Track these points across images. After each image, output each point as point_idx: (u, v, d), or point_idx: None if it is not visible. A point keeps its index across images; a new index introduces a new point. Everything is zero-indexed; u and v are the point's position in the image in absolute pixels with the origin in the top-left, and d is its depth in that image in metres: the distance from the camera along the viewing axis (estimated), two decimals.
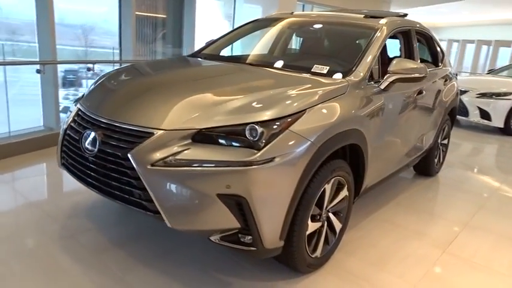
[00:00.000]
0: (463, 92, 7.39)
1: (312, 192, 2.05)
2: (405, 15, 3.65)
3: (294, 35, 3.50)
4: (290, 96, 2.04)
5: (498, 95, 7.21)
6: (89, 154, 2.01)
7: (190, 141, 1.84)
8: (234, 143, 1.83)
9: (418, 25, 3.68)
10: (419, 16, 18.37)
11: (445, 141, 4.41)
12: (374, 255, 2.60)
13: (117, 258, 2.33)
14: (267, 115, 1.87)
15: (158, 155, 1.80)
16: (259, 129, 1.83)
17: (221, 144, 1.84)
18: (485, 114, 7.21)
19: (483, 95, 7.28)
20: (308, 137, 1.92)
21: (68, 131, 2.23)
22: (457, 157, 5.41)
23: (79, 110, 2.26)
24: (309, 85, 2.22)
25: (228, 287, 2.15)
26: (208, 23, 8.69)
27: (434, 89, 3.60)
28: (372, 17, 3.16)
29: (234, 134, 1.85)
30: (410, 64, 2.60)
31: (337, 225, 2.43)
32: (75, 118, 2.23)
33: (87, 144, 2.03)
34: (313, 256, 2.25)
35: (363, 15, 3.21)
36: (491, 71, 9.39)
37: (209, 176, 1.77)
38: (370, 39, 2.78)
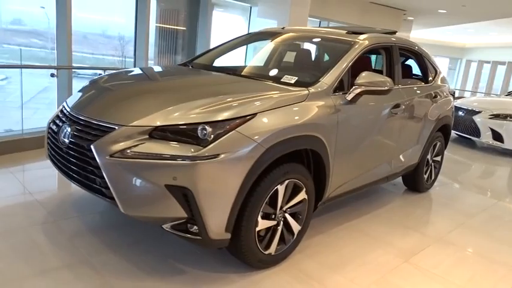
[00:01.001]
0: (476, 113, 7.31)
1: (261, 190, 2.20)
2: (394, 32, 3.78)
3: (279, 48, 3.69)
4: (242, 101, 2.21)
5: None
6: (63, 146, 2.27)
7: (147, 136, 2.05)
8: (184, 140, 2.03)
9: (406, 43, 3.79)
10: (447, 36, 18.16)
11: (438, 158, 4.42)
12: (333, 260, 2.69)
13: (89, 243, 2.55)
14: (215, 117, 2.06)
15: (116, 147, 2.02)
16: (208, 129, 2.02)
17: (173, 140, 2.04)
18: (497, 136, 7.07)
19: (496, 116, 7.15)
20: (255, 139, 2.08)
21: (51, 125, 2.50)
22: (458, 176, 5.37)
23: (63, 107, 2.53)
24: (267, 92, 2.39)
25: (182, 274, 2.32)
26: (230, 36, 9.06)
27: (418, 105, 3.66)
28: (354, 32, 3.31)
29: (185, 132, 2.04)
30: (374, 77, 2.71)
31: (295, 227, 2.55)
32: (59, 114, 2.50)
33: (62, 136, 2.29)
34: (265, 253, 2.38)
35: (346, 31, 3.36)
36: (511, 93, 9.19)
37: (158, 167, 1.97)
38: (343, 53, 2.93)
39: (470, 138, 7.49)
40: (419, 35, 17.96)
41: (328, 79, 2.68)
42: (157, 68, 3.81)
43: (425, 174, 4.22)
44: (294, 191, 2.46)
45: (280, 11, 6.91)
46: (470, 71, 20.99)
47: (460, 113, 7.63)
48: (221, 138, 2.01)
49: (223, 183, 2.04)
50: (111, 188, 2.02)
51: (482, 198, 4.55)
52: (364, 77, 2.72)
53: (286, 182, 2.36)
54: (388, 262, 2.75)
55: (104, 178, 2.04)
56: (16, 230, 2.62)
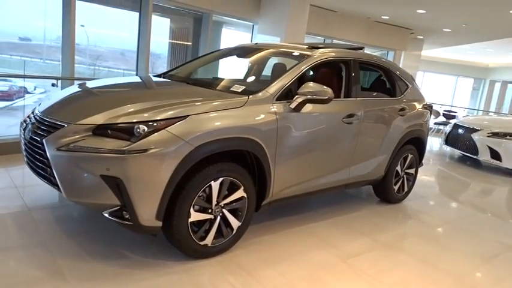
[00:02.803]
0: (475, 130, 7.29)
1: (193, 184, 2.45)
2: (360, 48, 4.00)
3: (244, 61, 3.98)
4: (178, 105, 2.49)
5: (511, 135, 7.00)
6: (26, 141, 2.62)
7: (90, 133, 2.36)
8: (120, 137, 2.32)
9: (370, 58, 3.99)
10: (470, 56, 17.95)
11: (411, 171, 4.51)
12: (272, 256, 2.87)
13: (51, 229, 2.87)
14: (149, 117, 2.35)
15: (63, 142, 2.34)
16: (141, 127, 2.31)
17: (112, 137, 2.34)
18: (495, 154, 7.00)
19: (495, 135, 7.09)
20: (183, 138, 2.35)
21: (21, 125, 2.87)
22: (444, 191, 5.41)
23: (34, 109, 2.90)
24: (208, 98, 2.67)
25: (124, 259, 2.59)
26: None
27: (378, 116, 3.81)
28: (314, 47, 3.55)
29: (122, 130, 2.34)
30: (316, 87, 2.93)
31: (235, 223, 2.77)
32: (30, 115, 2.87)
33: (26, 133, 2.64)
34: (201, 243, 2.61)
35: (307, 46, 3.61)
36: None
37: (95, 160, 2.27)
38: (294, 65, 3.18)
39: (473, 157, 7.43)
40: (441, 55, 17.87)
41: (273, 88, 2.93)
42: (126, 78, 4.20)
43: (395, 185, 4.32)
44: (232, 188, 2.69)
45: (278, 28, 7.24)
46: (494, 91, 20.53)
47: (460, 130, 7.62)
48: (150, 136, 2.29)
49: (152, 175, 2.30)
50: (56, 177, 2.33)
51: (453, 212, 4.59)
52: (307, 86, 2.94)
53: (221, 179, 2.60)
54: (325, 261, 2.90)
55: (51, 168, 2.36)
56: None
